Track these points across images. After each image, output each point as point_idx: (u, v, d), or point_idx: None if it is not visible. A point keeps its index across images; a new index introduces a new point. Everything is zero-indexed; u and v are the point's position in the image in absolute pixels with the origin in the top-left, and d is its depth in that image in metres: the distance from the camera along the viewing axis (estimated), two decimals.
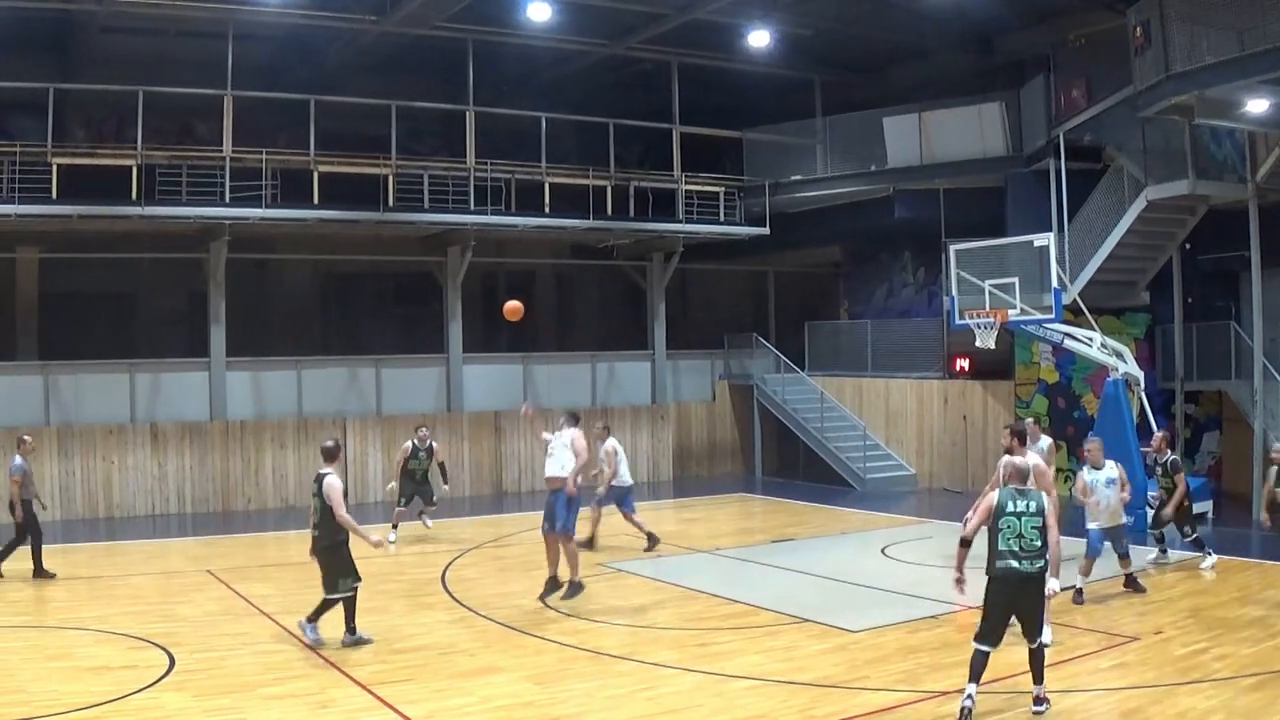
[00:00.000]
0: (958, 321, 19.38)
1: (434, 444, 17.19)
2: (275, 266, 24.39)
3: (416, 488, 16.91)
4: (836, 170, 24.50)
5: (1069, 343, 18.70)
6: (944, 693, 8.92)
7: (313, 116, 21.68)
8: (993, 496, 8.34)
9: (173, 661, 10.21)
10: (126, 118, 21.38)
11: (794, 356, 25.58)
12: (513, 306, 13.72)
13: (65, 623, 11.98)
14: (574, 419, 13.48)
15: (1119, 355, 18.37)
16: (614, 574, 14.53)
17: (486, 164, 22.49)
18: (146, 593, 13.91)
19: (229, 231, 21.35)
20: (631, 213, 23.51)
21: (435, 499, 17.29)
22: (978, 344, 19.10)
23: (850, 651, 10.37)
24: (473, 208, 22.29)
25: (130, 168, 20.83)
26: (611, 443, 16.28)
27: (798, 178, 24.74)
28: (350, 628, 10.98)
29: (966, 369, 22.66)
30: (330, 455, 11.25)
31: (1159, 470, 14.29)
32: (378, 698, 9.05)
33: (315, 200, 21.49)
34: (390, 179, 21.81)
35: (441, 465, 17.29)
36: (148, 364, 21.80)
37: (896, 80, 24.66)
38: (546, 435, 13.36)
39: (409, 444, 16.97)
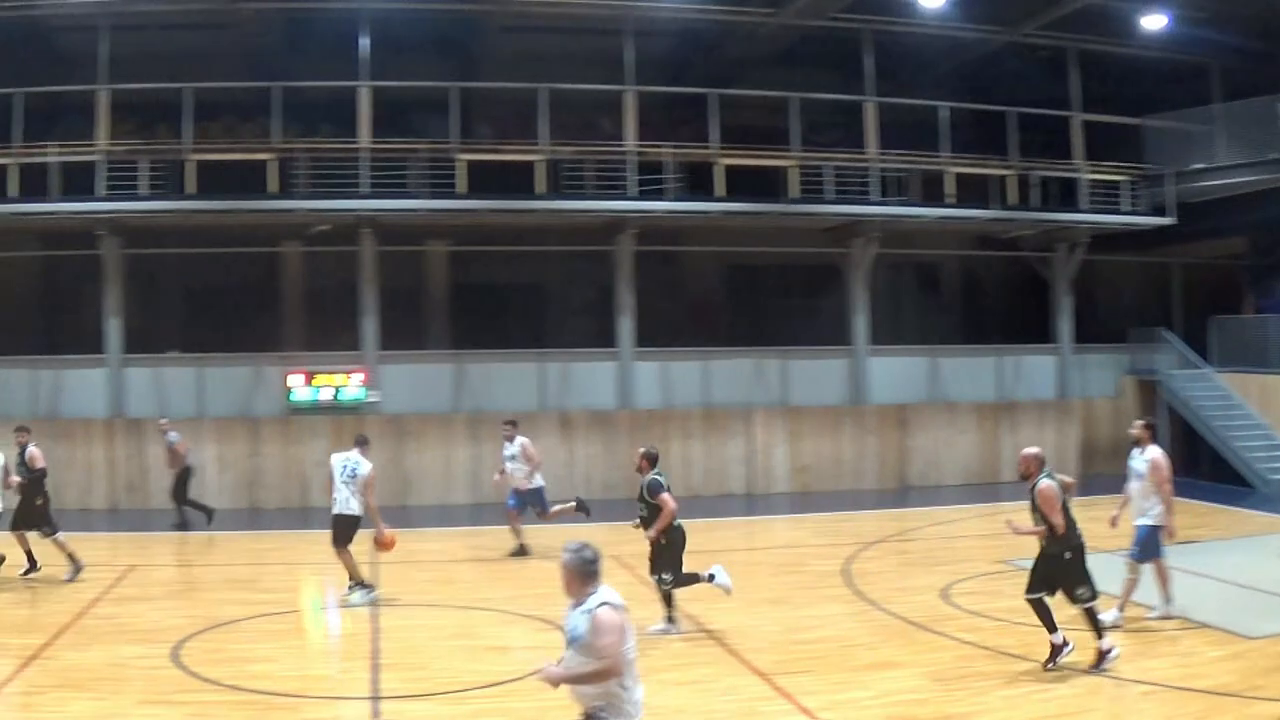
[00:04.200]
0: None
1: (33, 449, 14.85)
2: (681, 259, 25.93)
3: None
4: (1238, 158, 25.10)
5: None
6: None
7: (713, 110, 23.29)
8: None
9: None
10: (530, 114, 23.09)
11: (1198, 351, 26.18)
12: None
13: (473, 603, 12.78)
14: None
15: None
16: (1016, 572, 14.57)
17: (888, 154, 23.76)
18: (551, 577, 15.01)
19: (635, 224, 22.87)
20: (1034, 202, 24.55)
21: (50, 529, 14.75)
22: None
23: (1246, 659, 10.24)
24: (875, 199, 23.56)
25: (535, 163, 22.63)
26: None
27: (1199, 166, 25.55)
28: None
29: None
30: None
31: None
32: (776, 687, 9.50)
33: (719, 193, 22.95)
34: (792, 171, 23.27)
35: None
36: (557, 354, 23.44)
37: None
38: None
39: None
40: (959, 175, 23.92)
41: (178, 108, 22.64)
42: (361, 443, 13.66)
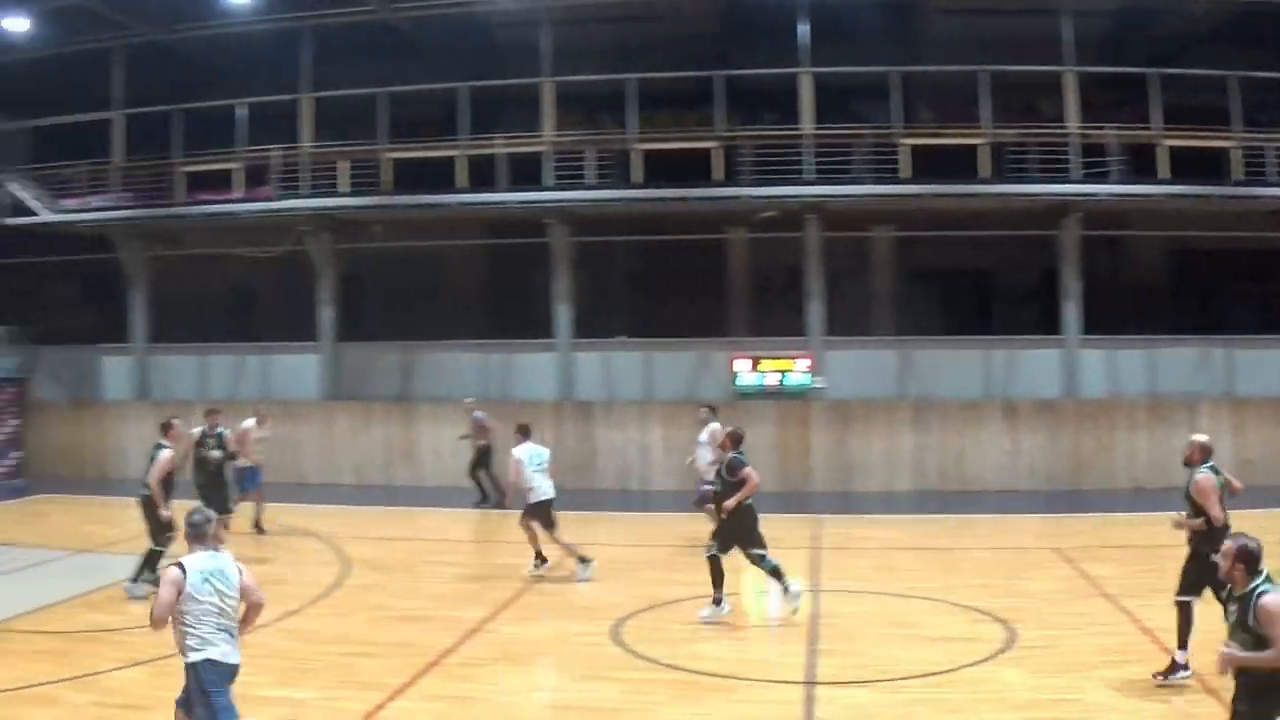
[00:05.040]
0: None
1: (226, 432, 16.50)
2: (1125, 243, 26.59)
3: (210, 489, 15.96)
4: None
5: None
6: None
7: (1154, 90, 23.80)
8: None
9: (1013, 637, 11.23)
10: (971, 97, 23.84)
11: None
12: None
13: (912, 591, 13.27)
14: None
15: None
16: None
17: None
18: (991, 567, 15.29)
19: (1078, 208, 23.86)
20: None
21: (231, 507, 16.32)
22: None
23: None
24: None
25: (978, 146, 23.15)
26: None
27: None
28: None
29: None
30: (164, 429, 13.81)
31: None
32: (1208, 689, 9.49)
33: (1162, 175, 23.49)
34: (1235, 152, 23.63)
35: (232, 456, 16.63)
36: (1002, 341, 24.18)
37: None
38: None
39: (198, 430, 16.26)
40: None
41: (621, 98, 23.69)
42: (527, 432, 15.06)
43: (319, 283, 25.31)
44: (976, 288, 26.86)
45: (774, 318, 25.23)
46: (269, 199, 24.92)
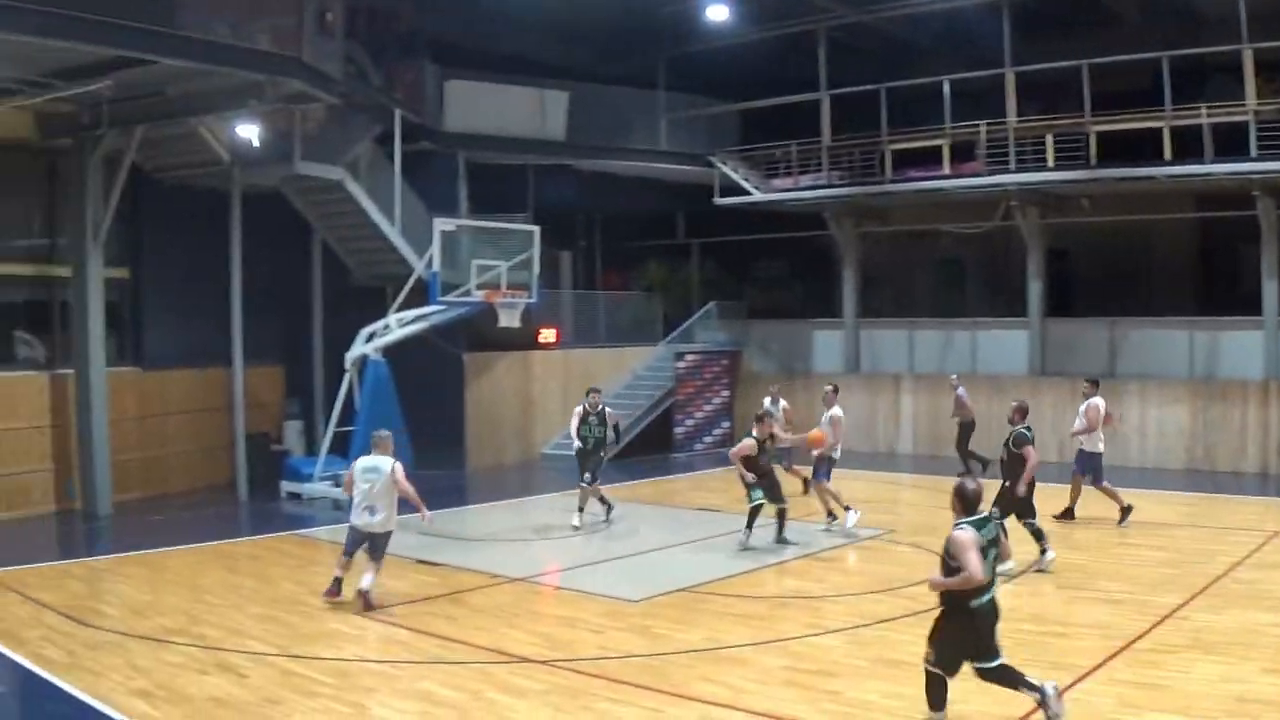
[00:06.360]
0: None
1: (608, 408, 21.49)
2: None
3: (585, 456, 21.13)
4: None
5: None
6: None
7: None
8: None
9: None
10: None
11: None
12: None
13: None
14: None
15: None
16: None
17: None
18: None
19: None
20: None
21: (587, 479, 21.00)
22: None
23: None
24: None
25: None
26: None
27: None
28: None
29: None
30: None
31: None
32: None
33: None
34: None
35: (616, 428, 21.81)
36: None
37: None
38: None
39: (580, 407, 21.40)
40: None
41: None
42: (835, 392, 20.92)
43: (1027, 257, 30.88)
44: None
45: None
46: (976, 174, 30.47)
